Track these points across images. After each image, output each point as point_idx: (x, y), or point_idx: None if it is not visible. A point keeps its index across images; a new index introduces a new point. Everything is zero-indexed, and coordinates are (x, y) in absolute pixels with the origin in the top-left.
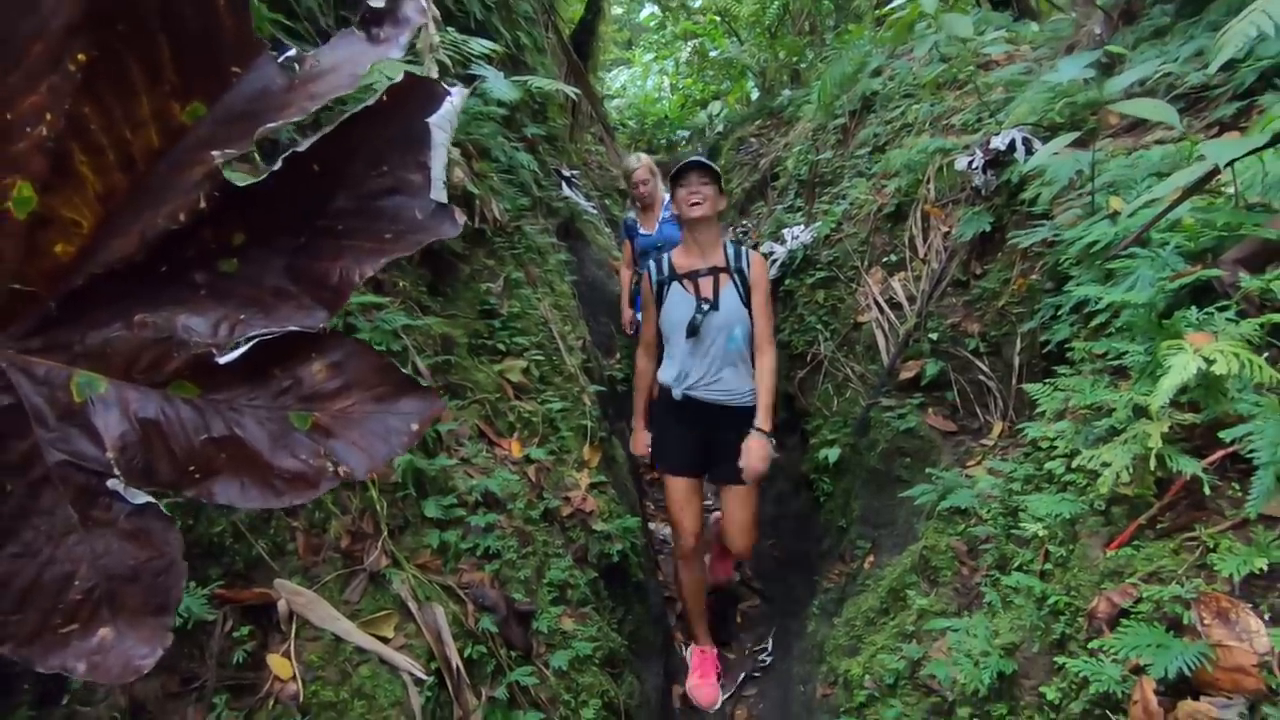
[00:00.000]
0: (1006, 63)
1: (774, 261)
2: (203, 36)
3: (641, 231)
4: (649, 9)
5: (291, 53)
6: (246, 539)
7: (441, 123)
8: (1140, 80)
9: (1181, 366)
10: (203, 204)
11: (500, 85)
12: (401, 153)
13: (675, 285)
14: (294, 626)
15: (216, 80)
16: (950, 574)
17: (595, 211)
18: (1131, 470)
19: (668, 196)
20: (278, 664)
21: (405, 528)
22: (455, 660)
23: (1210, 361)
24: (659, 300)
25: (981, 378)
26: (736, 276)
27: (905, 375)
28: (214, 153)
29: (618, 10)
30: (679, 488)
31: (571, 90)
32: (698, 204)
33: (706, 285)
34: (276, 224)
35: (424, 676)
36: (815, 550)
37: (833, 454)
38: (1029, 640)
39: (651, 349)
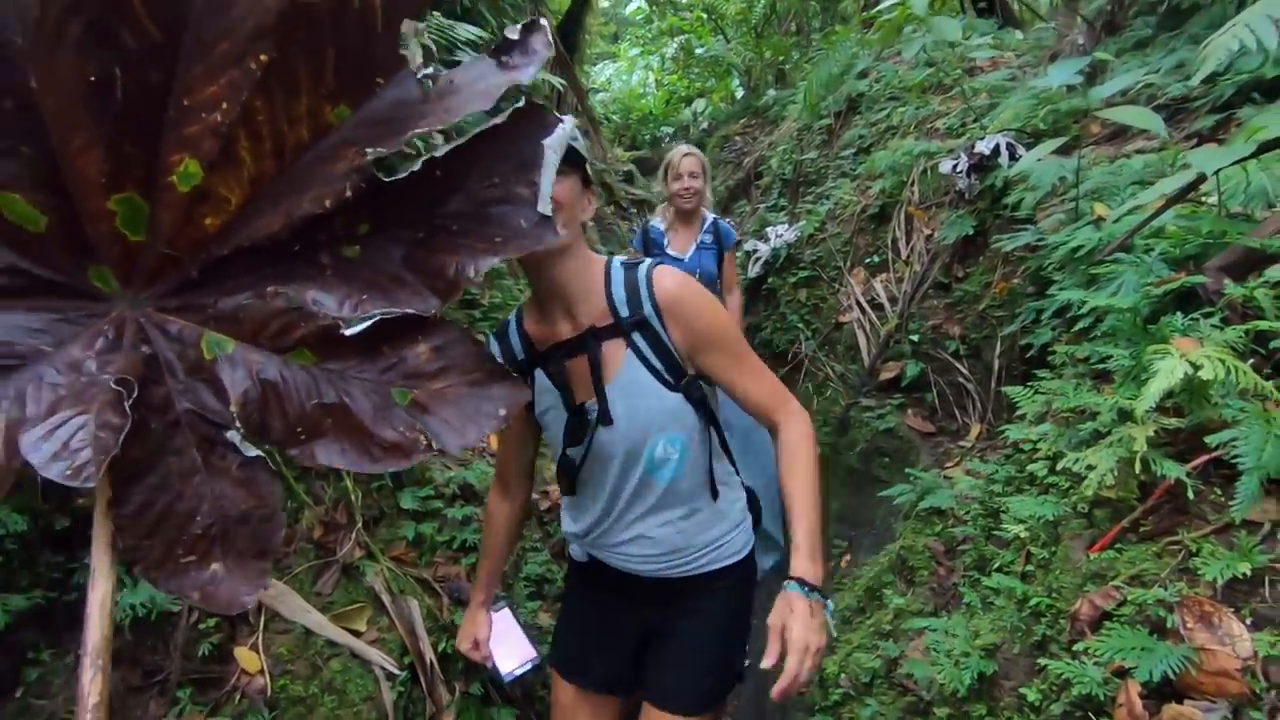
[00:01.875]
0: (991, 69)
1: (757, 260)
2: (360, 50)
3: (670, 251)
4: (636, 3)
5: (430, 70)
6: None
7: (553, 144)
8: (1122, 90)
9: (1168, 371)
10: (348, 193)
11: None
12: (515, 168)
13: (539, 377)
14: (263, 619)
15: (364, 88)
16: (927, 574)
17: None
18: (1115, 473)
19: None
20: (245, 657)
21: (380, 519)
22: (429, 655)
23: (1197, 367)
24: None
25: (961, 380)
26: (639, 337)
27: (885, 376)
28: (366, 150)
29: (605, 3)
30: (573, 711)
31: (558, 81)
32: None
33: (580, 374)
34: (400, 218)
35: (396, 671)
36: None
37: None
38: (1009, 641)
39: (508, 476)
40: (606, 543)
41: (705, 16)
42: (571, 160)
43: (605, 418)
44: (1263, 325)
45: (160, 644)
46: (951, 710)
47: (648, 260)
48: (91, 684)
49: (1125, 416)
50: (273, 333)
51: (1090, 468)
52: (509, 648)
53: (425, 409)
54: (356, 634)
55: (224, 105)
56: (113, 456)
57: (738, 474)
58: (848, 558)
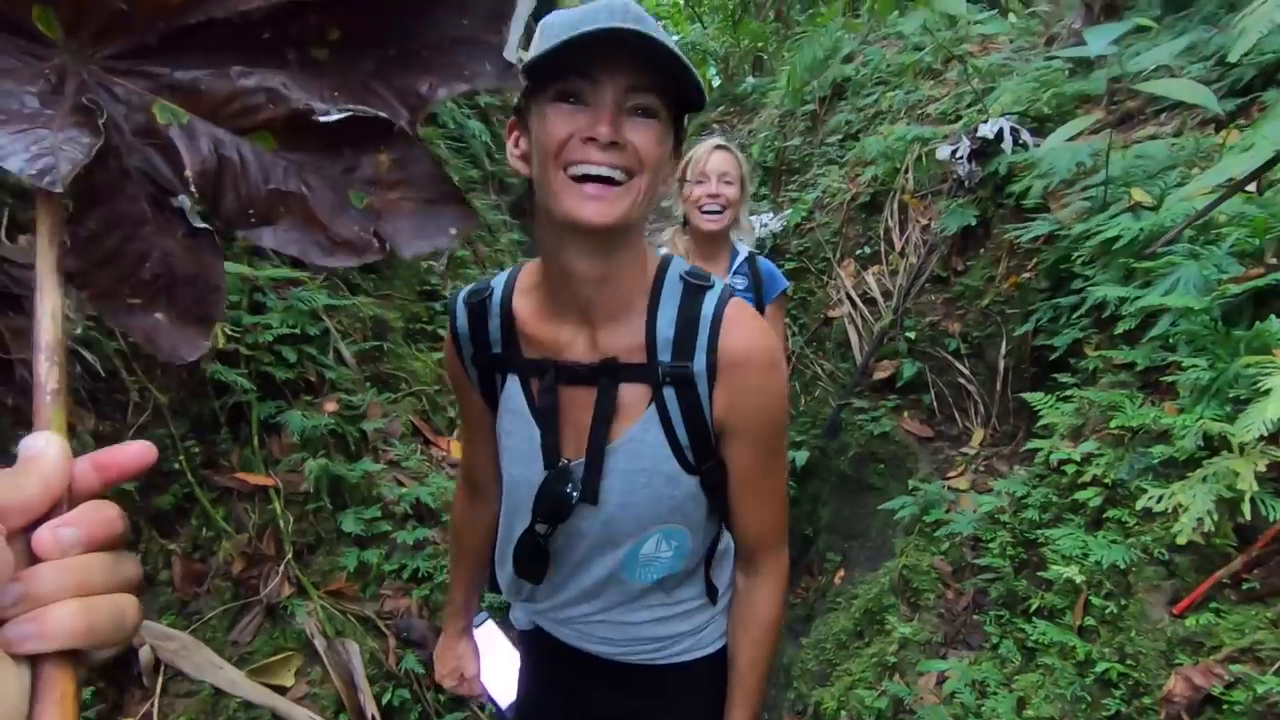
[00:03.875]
0: (982, 53)
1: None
2: None
3: None
4: None
5: None
6: None
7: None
8: (1118, 75)
9: None
10: None
11: None
12: (485, 13)
13: (513, 387)
14: (160, 679)
15: None
16: (933, 597)
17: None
18: (1215, 516)
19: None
20: None
21: (316, 546)
22: (370, 708)
23: None
24: (486, 397)
25: (962, 381)
26: (673, 394)
27: (879, 375)
28: None
29: None
30: None
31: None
32: (606, 189)
33: (577, 413)
34: (369, 35)
35: None
36: None
37: (800, 457)
38: (1070, 714)
39: (477, 476)
40: (558, 617)
41: (682, 3)
42: (664, 91)
43: (592, 488)
44: None
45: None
46: None
47: (720, 283)
48: (49, 375)
49: (1212, 442)
50: (234, 111)
51: (1181, 507)
52: (502, 671)
53: (380, 215)
54: (281, 690)
55: None
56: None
57: (730, 547)
58: (841, 573)
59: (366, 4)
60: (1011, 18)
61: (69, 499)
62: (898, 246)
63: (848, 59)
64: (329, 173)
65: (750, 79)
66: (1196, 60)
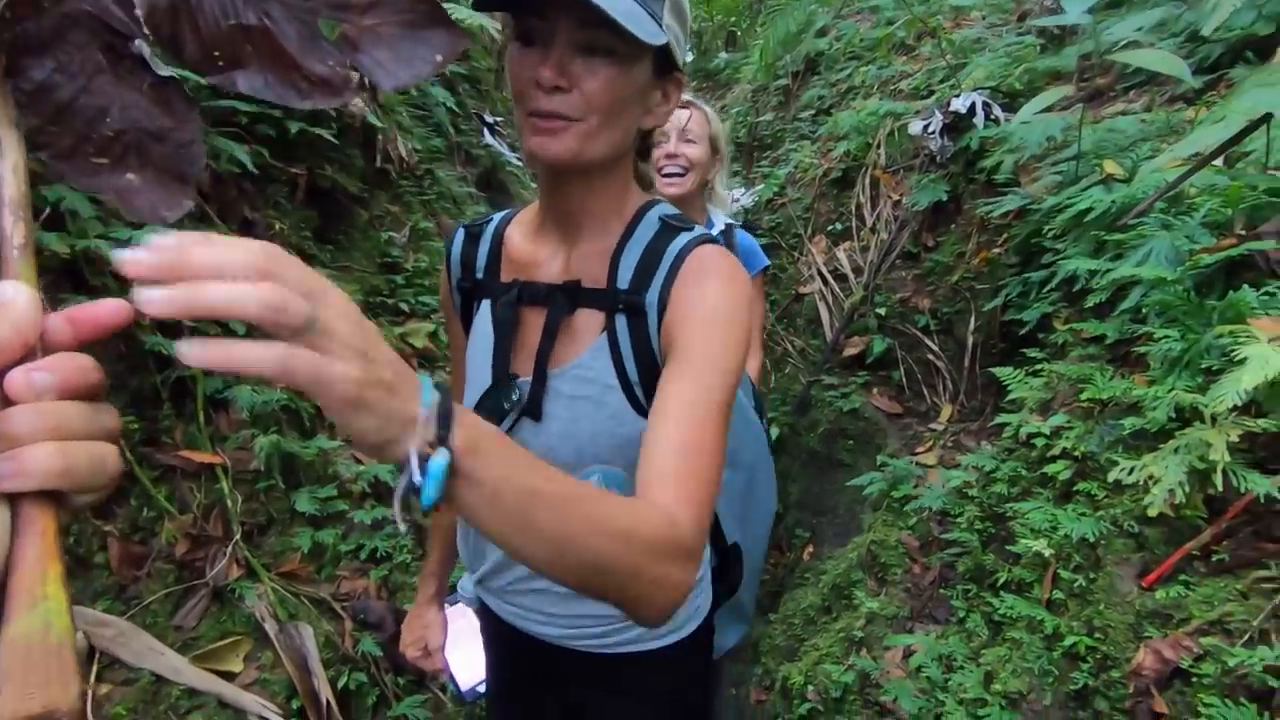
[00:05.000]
0: (953, 29)
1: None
2: None
3: None
4: None
5: None
6: None
7: None
8: (1093, 50)
9: (1261, 362)
10: None
11: None
12: None
13: (483, 310)
14: (95, 667)
15: None
16: (901, 572)
17: (520, 162)
18: (1187, 487)
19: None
20: None
21: (268, 527)
22: (325, 694)
23: None
24: (464, 322)
25: (931, 357)
26: (624, 322)
27: (849, 352)
28: None
29: None
30: None
31: (499, 28)
32: (552, 123)
33: (531, 333)
34: None
35: (281, 718)
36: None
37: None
38: (1038, 688)
39: None
40: (496, 584)
41: None
42: (619, 34)
43: (534, 409)
44: None
45: None
46: None
47: (700, 230)
48: (14, 229)
49: (1184, 414)
50: None
51: (1154, 480)
52: (468, 654)
53: (356, 46)
54: (229, 676)
55: None
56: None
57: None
58: (810, 549)
59: None
60: None
61: (42, 350)
62: (869, 222)
63: (821, 33)
64: (292, 1)
65: (723, 54)
66: (1167, 36)
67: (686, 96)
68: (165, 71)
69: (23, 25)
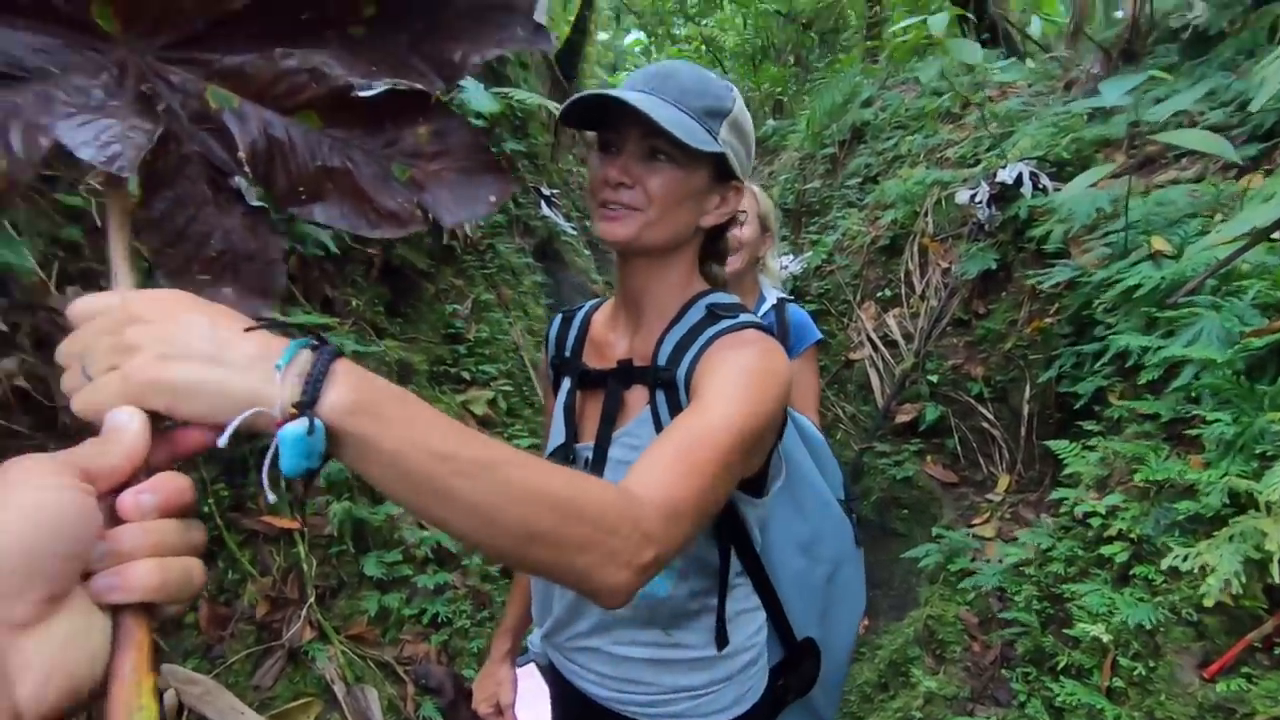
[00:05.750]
0: (1000, 98)
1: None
2: None
3: None
4: (634, 35)
5: None
6: None
7: None
8: (1172, 113)
9: None
10: None
11: (480, 96)
12: None
13: (564, 389)
14: None
15: None
16: (959, 649)
17: (575, 232)
18: (1242, 578)
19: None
20: None
21: (339, 590)
22: None
23: None
24: (556, 391)
25: (986, 425)
26: (662, 396)
27: (901, 419)
28: None
29: (603, 35)
30: None
31: (555, 106)
32: (613, 213)
33: (593, 409)
34: (402, 7)
35: None
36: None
37: None
38: None
39: None
40: (558, 640)
41: (704, 48)
42: (675, 144)
43: (597, 471)
44: None
45: None
46: None
47: (746, 318)
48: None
49: (1239, 500)
50: (280, 92)
51: (1209, 569)
52: (536, 713)
53: (422, 187)
54: None
55: None
56: (142, 157)
57: (773, 610)
58: (865, 622)
59: None
60: (1029, 63)
61: (146, 469)
62: (918, 289)
63: (866, 103)
64: (371, 147)
65: (770, 121)
66: (1216, 106)
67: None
68: (256, 203)
69: (155, 164)
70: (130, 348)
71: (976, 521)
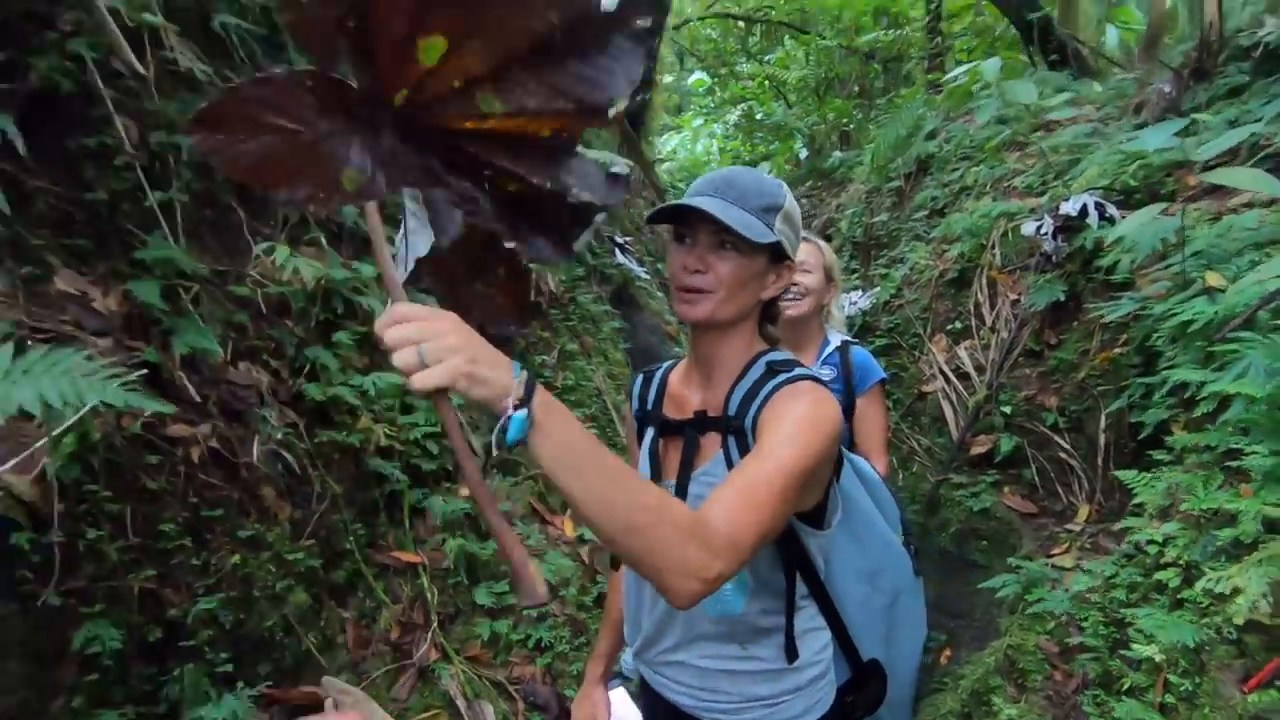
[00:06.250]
0: (1069, 123)
1: None
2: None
3: None
4: (698, 74)
5: None
6: (296, 633)
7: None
8: (1228, 145)
9: None
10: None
11: None
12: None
13: (648, 437)
14: None
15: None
16: (1040, 678)
17: (648, 277)
18: (1270, 599)
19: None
20: None
21: (456, 616)
22: None
23: None
24: (640, 439)
25: (1063, 455)
26: (733, 442)
27: (977, 450)
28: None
29: (668, 78)
30: None
31: (625, 161)
32: (689, 297)
33: (673, 452)
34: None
35: None
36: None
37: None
38: None
39: None
40: (647, 656)
41: (767, 84)
42: (740, 238)
43: (679, 500)
44: None
45: None
46: None
47: (801, 371)
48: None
49: (1275, 526)
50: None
51: (1237, 590)
52: None
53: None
54: None
55: None
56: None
57: (838, 630)
58: (947, 653)
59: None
60: (1094, 85)
61: None
62: (988, 321)
63: (930, 135)
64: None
65: (837, 153)
66: None
67: (804, 233)
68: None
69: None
70: (452, 349)
71: (1056, 551)
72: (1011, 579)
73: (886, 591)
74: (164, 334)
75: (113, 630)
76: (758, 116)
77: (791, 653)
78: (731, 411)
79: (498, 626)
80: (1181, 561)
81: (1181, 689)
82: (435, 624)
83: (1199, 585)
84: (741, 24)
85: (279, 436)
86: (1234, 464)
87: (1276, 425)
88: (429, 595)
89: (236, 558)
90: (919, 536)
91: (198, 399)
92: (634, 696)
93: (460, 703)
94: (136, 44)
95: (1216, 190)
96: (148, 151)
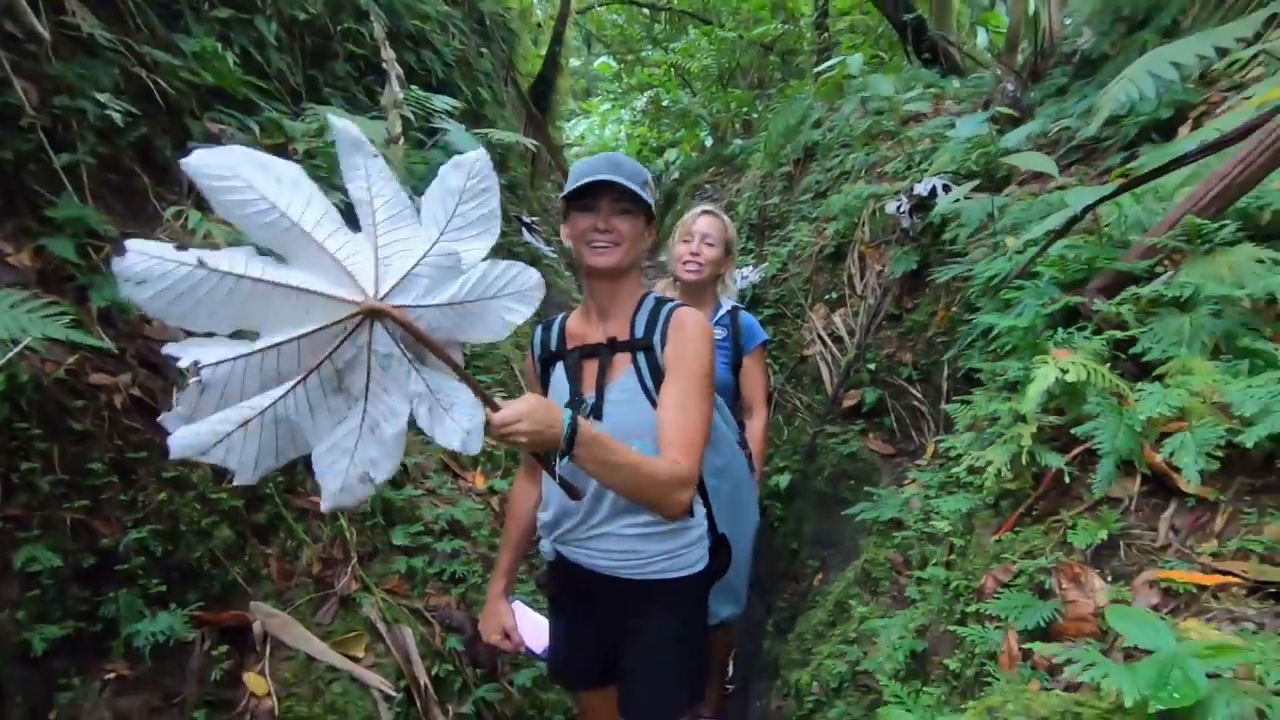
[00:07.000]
0: (934, 116)
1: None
2: None
3: None
4: (604, 59)
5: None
6: (223, 564)
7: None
8: (1044, 132)
9: (1044, 376)
10: None
11: (462, 138)
12: None
13: (559, 367)
14: (268, 647)
15: None
16: (888, 583)
17: (555, 256)
18: (1010, 466)
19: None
20: (254, 681)
21: (374, 554)
22: (423, 678)
23: (1064, 371)
24: (543, 378)
25: (915, 403)
26: (643, 356)
27: (848, 403)
28: None
29: (575, 62)
30: (594, 710)
31: (530, 142)
32: (602, 249)
33: (590, 372)
34: None
35: (393, 693)
36: (769, 573)
37: (783, 480)
38: (936, 621)
39: (533, 465)
40: (573, 536)
41: (673, 71)
42: (635, 202)
43: (598, 411)
44: (1120, 335)
45: (178, 670)
46: (892, 689)
47: (677, 301)
48: None
49: (1019, 418)
50: None
51: (989, 463)
52: (531, 628)
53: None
54: (355, 660)
55: None
56: None
57: (706, 508)
58: (820, 577)
59: None
60: (956, 82)
61: None
62: (858, 290)
63: (816, 124)
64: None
65: (738, 141)
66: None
67: (711, 208)
68: None
69: None
70: (527, 433)
71: (906, 483)
72: (869, 506)
73: (730, 481)
74: (79, 289)
75: (49, 553)
76: (664, 103)
77: (691, 510)
78: (639, 334)
79: (414, 562)
80: (966, 457)
81: (959, 547)
82: (355, 560)
83: (964, 463)
84: (646, 11)
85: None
86: (1006, 378)
87: (1029, 345)
88: (348, 535)
89: (163, 495)
90: (799, 481)
91: (115, 351)
92: (540, 590)
93: (381, 626)
94: (34, 6)
95: (1042, 176)
96: (49, 114)
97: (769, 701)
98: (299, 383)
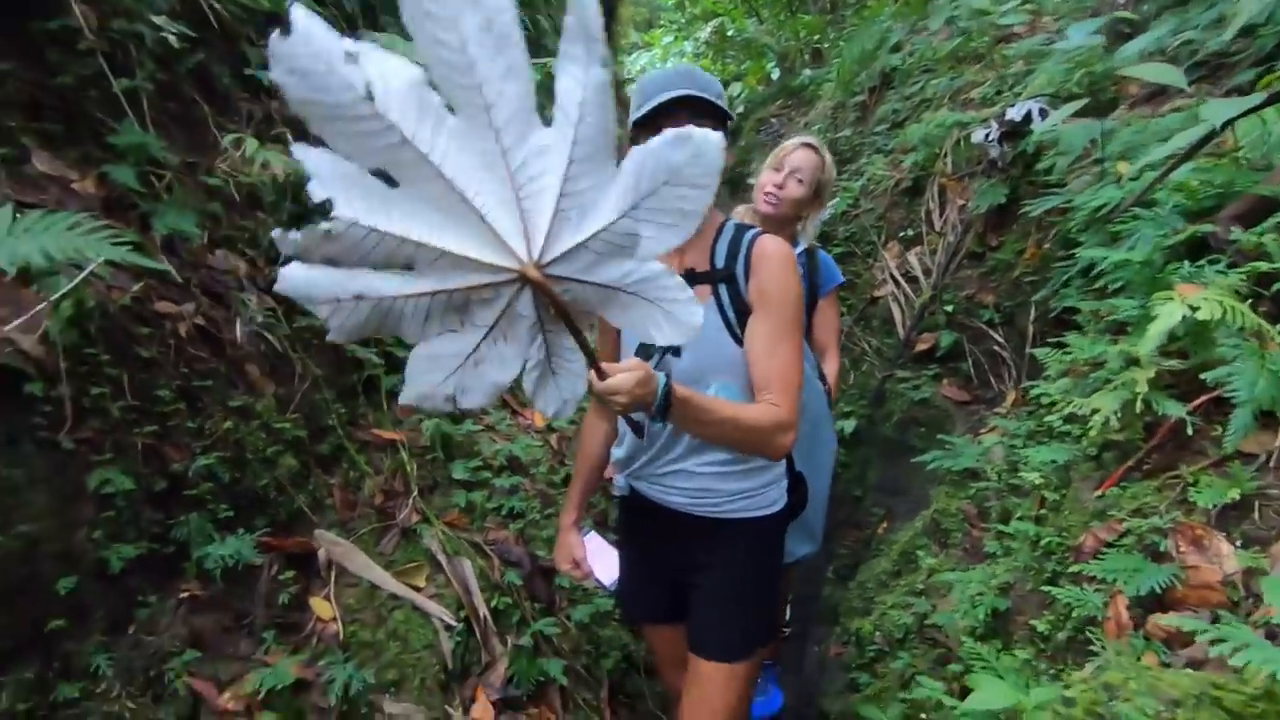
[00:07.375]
0: (1028, 34)
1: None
2: None
3: None
4: None
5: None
6: (288, 493)
7: None
8: (1161, 48)
9: (1168, 314)
10: None
11: None
12: None
13: None
14: (333, 574)
15: None
16: (960, 535)
17: None
18: (1120, 415)
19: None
20: (319, 606)
21: (435, 488)
22: (483, 610)
23: (1195, 309)
24: None
25: (996, 348)
26: (724, 288)
27: (921, 347)
28: None
29: None
30: (661, 646)
31: None
32: None
33: None
34: None
35: (454, 623)
36: (831, 519)
37: (849, 426)
38: (1023, 579)
39: None
40: (648, 472)
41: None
42: (716, 115)
43: (676, 350)
44: (1264, 267)
45: (247, 593)
46: (970, 648)
47: (757, 228)
48: None
49: (1132, 362)
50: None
51: (1095, 411)
52: (603, 561)
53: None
54: (417, 589)
55: None
56: None
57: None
58: (885, 525)
59: None
60: None
61: None
62: (937, 227)
63: (895, 49)
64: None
65: (807, 71)
66: (1222, 33)
67: (813, 140)
68: None
69: None
70: (630, 398)
71: (983, 431)
72: (940, 454)
73: (809, 421)
74: (142, 217)
75: (122, 476)
76: (729, 33)
77: None
78: (720, 264)
79: (474, 497)
80: (1062, 405)
81: (1052, 501)
82: (415, 492)
83: (1060, 411)
84: None
85: (259, 319)
86: (1113, 319)
87: (1145, 280)
88: (409, 468)
89: (229, 423)
90: (865, 427)
91: (179, 280)
92: (596, 529)
93: (441, 558)
94: None
95: (1155, 96)
96: (108, 38)
97: (828, 647)
98: (426, 294)
